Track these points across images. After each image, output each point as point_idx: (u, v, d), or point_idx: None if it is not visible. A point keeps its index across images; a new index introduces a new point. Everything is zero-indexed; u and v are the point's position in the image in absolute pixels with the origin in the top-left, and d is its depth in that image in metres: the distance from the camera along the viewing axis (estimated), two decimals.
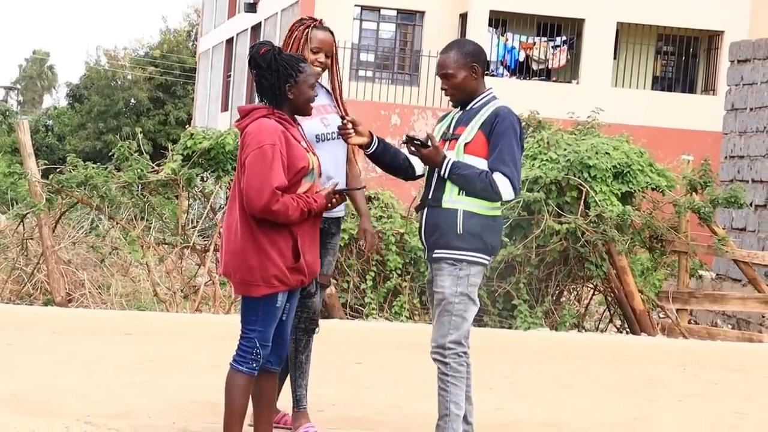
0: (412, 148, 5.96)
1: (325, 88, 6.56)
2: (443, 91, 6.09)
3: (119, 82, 56.58)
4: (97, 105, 54.80)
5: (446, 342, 5.96)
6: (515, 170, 5.87)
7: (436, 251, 5.97)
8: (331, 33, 6.48)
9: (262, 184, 5.53)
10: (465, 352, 5.98)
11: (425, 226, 6.03)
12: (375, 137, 6.07)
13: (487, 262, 5.98)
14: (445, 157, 5.93)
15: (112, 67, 57.40)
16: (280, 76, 5.74)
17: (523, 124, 19.04)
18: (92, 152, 49.66)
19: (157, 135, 50.07)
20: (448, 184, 5.93)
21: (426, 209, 6.02)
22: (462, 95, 6.04)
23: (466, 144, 5.94)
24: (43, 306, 12.42)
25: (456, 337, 5.95)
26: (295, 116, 5.89)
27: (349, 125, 6.01)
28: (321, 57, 6.39)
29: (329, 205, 5.80)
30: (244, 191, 5.60)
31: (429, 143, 5.93)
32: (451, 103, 6.12)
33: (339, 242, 6.62)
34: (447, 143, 6.01)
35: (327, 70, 6.52)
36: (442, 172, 5.92)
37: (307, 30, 6.41)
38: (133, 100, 55.28)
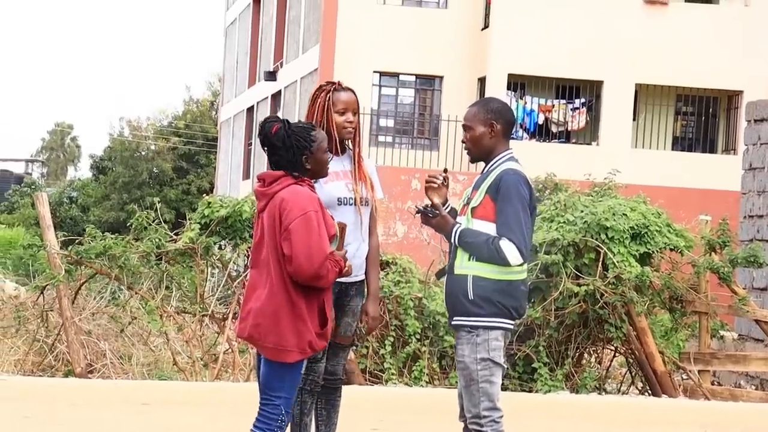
0: (423, 218, 6.01)
1: (350, 150, 6.60)
2: (462, 145, 6.15)
3: (143, 153, 56.95)
4: (121, 176, 55.15)
5: (480, 411, 5.96)
6: (521, 235, 5.87)
7: (454, 318, 6.00)
8: (353, 92, 6.55)
9: (312, 250, 5.61)
10: (501, 417, 5.99)
11: (445, 293, 6.08)
12: (449, 202, 6.10)
13: (508, 326, 5.97)
14: (455, 224, 5.97)
15: (135, 137, 57.79)
16: (295, 152, 5.82)
17: (540, 186, 19.11)
18: (116, 223, 49.88)
19: (180, 204, 50.28)
20: (460, 251, 5.97)
21: (446, 276, 6.06)
22: (477, 151, 6.07)
23: (473, 209, 5.97)
24: (63, 377, 12.44)
25: (488, 404, 5.96)
26: (318, 179, 6.00)
27: (441, 178, 6.09)
28: (349, 116, 6.47)
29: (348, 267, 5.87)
30: (291, 257, 5.63)
31: (438, 212, 5.98)
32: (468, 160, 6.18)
33: (359, 305, 6.62)
34: (465, 207, 6.06)
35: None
36: (451, 240, 5.96)
37: (329, 94, 6.48)
38: (156, 170, 55.58)
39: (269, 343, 5.75)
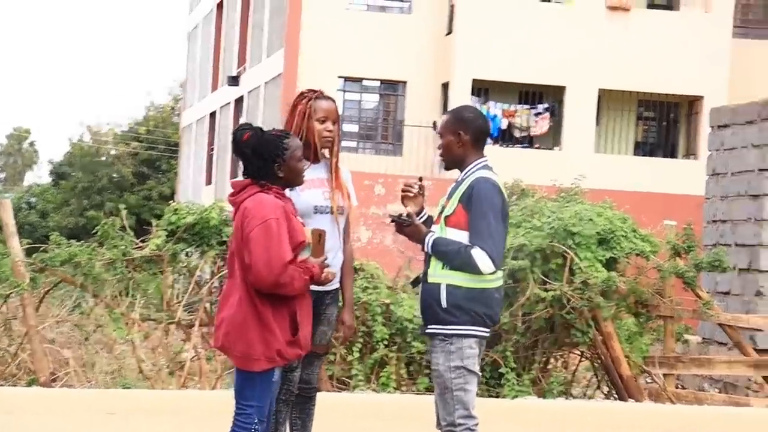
0: (396, 227, 6.01)
1: (327, 159, 6.59)
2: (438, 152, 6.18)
3: (103, 158, 56.67)
4: (81, 181, 54.84)
5: (455, 419, 5.98)
6: (493, 243, 5.88)
7: (428, 327, 6.01)
8: (334, 102, 6.54)
9: (271, 258, 5.58)
10: (476, 425, 6.00)
11: (419, 301, 6.08)
12: (426, 210, 6.13)
13: (482, 333, 5.99)
14: (427, 233, 5.97)
15: (95, 143, 57.51)
16: (267, 159, 5.80)
17: (507, 192, 19.15)
18: (76, 228, 49.63)
19: (141, 210, 50.05)
20: (433, 260, 5.98)
21: (421, 285, 6.07)
22: (448, 159, 6.11)
23: (447, 217, 5.98)
24: (26, 387, 12.33)
25: (463, 412, 5.98)
26: (293, 187, 5.96)
27: (416, 187, 6.10)
28: (329, 125, 6.46)
29: (323, 275, 5.84)
30: (251, 266, 5.61)
31: (411, 221, 5.99)
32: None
33: (335, 314, 6.62)
34: (440, 216, 6.07)
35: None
36: (424, 249, 5.97)
37: (310, 102, 6.47)
38: (116, 176, 55.32)
39: (237, 351, 5.75)
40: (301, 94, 6.58)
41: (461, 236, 5.92)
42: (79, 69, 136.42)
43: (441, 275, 5.94)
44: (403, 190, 6.16)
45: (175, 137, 55.07)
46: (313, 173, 6.46)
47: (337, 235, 6.51)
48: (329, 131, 6.48)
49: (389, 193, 27.12)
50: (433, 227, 6.05)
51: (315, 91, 6.58)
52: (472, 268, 5.87)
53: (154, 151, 56.21)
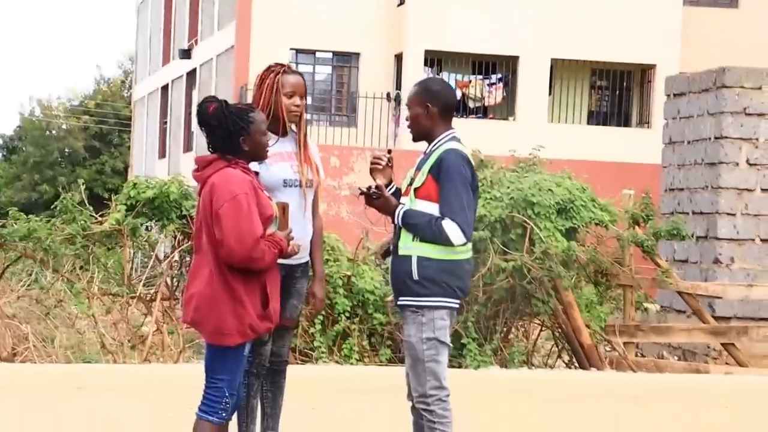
0: (366, 199, 6.02)
1: (294, 133, 6.59)
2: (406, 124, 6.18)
3: (54, 133, 56.24)
4: (32, 156, 54.45)
5: (427, 390, 5.99)
6: (464, 215, 5.90)
7: (399, 299, 6.02)
8: (302, 76, 6.54)
9: (242, 233, 5.58)
10: (447, 396, 6.03)
11: (390, 273, 6.08)
12: (393, 182, 6.12)
13: (453, 305, 6.01)
14: (397, 205, 5.98)
15: (46, 117, 57.05)
16: (232, 132, 5.77)
17: None
18: (28, 203, 49.27)
19: (94, 184, 49.71)
20: (404, 232, 5.99)
21: (391, 257, 6.07)
22: (417, 131, 6.12)
23: (416, 189, 5.99)
24: None
25: (435, 383, 6.00)
26: (257, 161, 5.95)
27: (385, 159, 6.09)
28: (296, 100, 6.47)
29: (291, 248, 5.84)
30: (222, 241, 5.61)
31: (381, 193, 5.99)
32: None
33: (306, 286, 6.64)
34: (409, 188, 6.07)
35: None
36: (394, 221, 5.98)
37: (277, 76, 6.46)
38: (68, 150, 54.94)
39: (209, 327, 5.74)
40: (269, 68, 6.57)
41: (431, 208, 5.94)
42: (27, 42, 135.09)
43: (412, 247, 5.96)
44: (372, 163, 6.17)
45: (125, 111, 54.71)
46: (282, 147, 6.47)
47: (305, 208, 6.52)
48: (297, 106, 6.49)
49: (344, 164, 27.09)
50: (402, 199, 6.06)
51: (283, 66, 6.58)
52: (443, 240, 5.89)
53: (104, 125, 55.83)
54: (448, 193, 5.88)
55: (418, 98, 6.09)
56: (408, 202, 5.99)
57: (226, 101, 5.89)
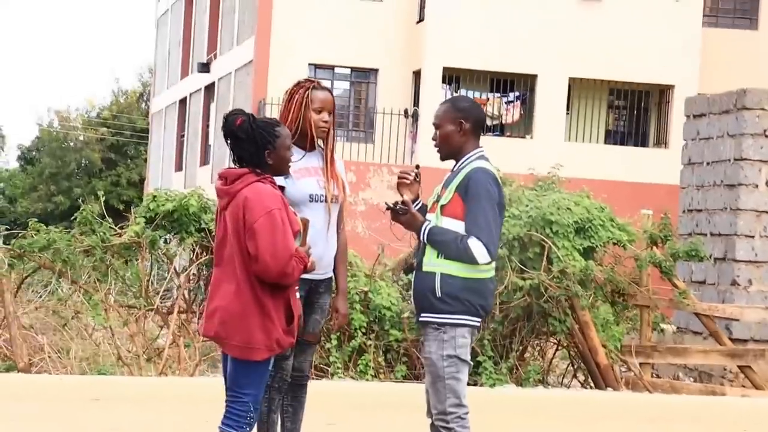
0: (392, 215, 6.02)
1: (321, 149, 6.62)
2: (433, 143, 6.15)
3: (71, 144, 56.41)
4: (49, 167, 54.63)
5: (446, 407, 5.99)
6: (490, 234, 5.90)
7: (421, 315, 6.02)
8: (330, 92, 6.56)
9: (278, 249, 5.60)
10: (467, 413, 6.03)
11: (413, 289, 6.08)
12: (420, 199, 6.11)
13: (474, 323, 6.01)
14: (423, 222, 5.98)
15: (63, 128, 57.23)
16: (259, 146, 5.80)
17: None
18: (44, 214, 49.44)
19: (109, 196, 49.87)
20: (428, 248, 5.99)
21: (414, 273, 6.08)
22: (447, 149, 6.09)
23: (443, 206, 5.99)
24: (4, 372, 12.30)
25: (454, 400, 5.99)
26: (280, 176, 5.99)
27: (413, 174, 6.09)
28: (325, 116, 6.49)
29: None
30: (257, 256, 5.62)
31: (408, 209, 5.99)
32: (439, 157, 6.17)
33: (329, 302, 6.65)
34: (435, 205, 6.08)
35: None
36: (420, 238, 5.98)
37: (307, 92, 6.48)
38: (84, 162, 55.09)
39: (236, 341, 5.75)
40: (298, 83, 6.60)
41: (457, 226, 5.94)
42: (47, 53, 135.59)
43: (436, 264, 5.96)
44: (399, 177, 6.17)
45: (142, 123, 54.84)
46: (308, 162, 6.49)
47: (329, 224, 6.53)
48: (325, 122, 6.52)
49: (360, 180, 27.10)
50: (428, 216, 6.06)
51: (312, 81, 6.61)
52: (468, 258, 5.89)
53: (121, 137, 55.97)
54: (475, 212, 5.88)
55: (449, 116, 6.07)
56: (434, 219, 6.00)
57: (253, 115, 5.92)
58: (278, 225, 5.65)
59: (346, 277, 6.81)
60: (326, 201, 6.47)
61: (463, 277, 5.94)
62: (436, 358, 5.98)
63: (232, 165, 6.00)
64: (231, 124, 5.84)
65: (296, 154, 6.38)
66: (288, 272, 5.65)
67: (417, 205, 6.14)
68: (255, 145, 5.81)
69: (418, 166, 6.27)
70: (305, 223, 5.90)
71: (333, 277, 6.64)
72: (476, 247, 5.88)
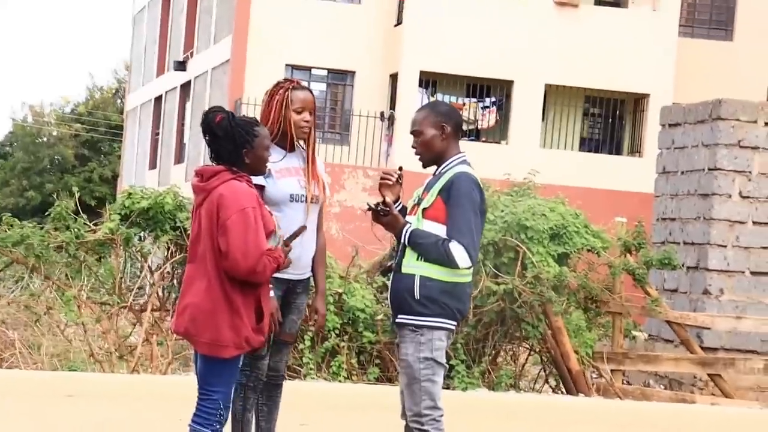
0: (373, 216, 6.03)
1: (302, 149, 6.63)
2: (413, 150, 6.15)
3: (44, 139, 56.19)
4: (21, 161, 54.39)
5: (422, 410, 6.00)
6: (471, 238, 5.92)
7: (398, 317, 6.03)
8: (311, 92, 6.58)
9: (248, 246, 5.61)
10: (441, 416, 6.04)
11: (390, 291, 6.09)
12: (401, 201, 6.12)
13: (451, 327, 6.03)
14: (405, 224, 5.99)
15: (37, 123, 57.00)
16: (237, 144, 5.80)
17: None
18: (15, 209, 49.15)
19: (82, 192, 49.63)
20: (408, 250, 6.00)
21: (392, 274, 6.09)
22: (429, 155, 6.10)
23: (424, 209, 6.00)
24: None
25: (429, 402, 6.01)
26: (256, 176, 5.98)
27: (395, 176, 6.10)
28: (306, 116, 6.50)
29: (287, 258, 5.86)
30: (227, 253, 5.63)
31: (389, 211, 6.00)
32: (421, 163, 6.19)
33: (305, 303, 6.66)
34: (416, 207, 6.09)
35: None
36: (401, 240, 5.99)
37: (287, 92, 6.50)
38: (58, 158, 54.89)
39: (205, 338, 5.75)
40: (279, 83, 6.62)
41: (438, 229, 5.96)
42: (21, 48, 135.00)
43: (415, 266, 5.97)
44: (381, 179, 6.18)
45: (116, 120, 54.68)
46: (289, 162, 6.50)
47: (311, 224, 6.54)
48: (306, 122, 6.53)
49: (335, 182, 27.11)
50: (408, 218, 6.08)
51: (292, 81, 6.62)
52: (449, 262, 5.91)
53: (95, 133, 55.78)
54: (457, 216, 5.90)
55: (430, 120, 6.07)
56: (415, 222, 6.01)
57: (232, 113, 5.93)
58: (250, 223, 5.66)
59: (325, 278, 6.82)
60: (306, 201, 6.48)
61: (443, 280, 5.95)
62: (413, 360, 6.00)
63: (209, 163, 6.01)
64: (210, 121, 5.84)
65: (277, 154, 6.39)
66: (258, 270, 5.65)
67: (398, 206, 6.15)
68: (233, 143, 5.81)
69: (401, 168, 6.28)
70: (302, 229, 5.94)
71: (311, 278, 6.65)
72: (457, 251, 5.90)
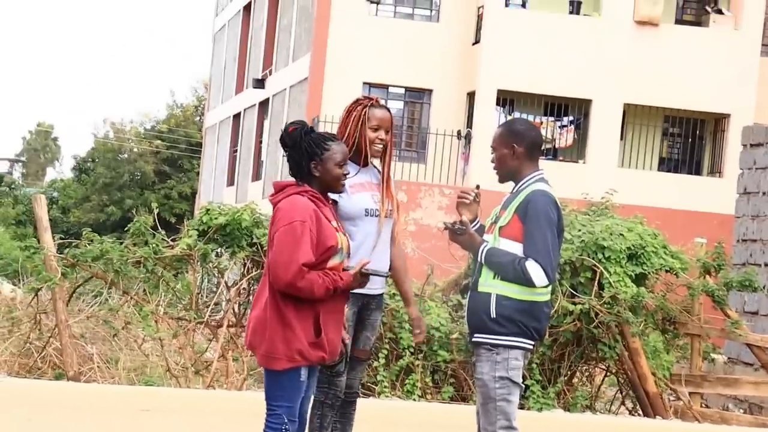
0: (450, 234, 6.02)
1: (377, 168, 6.66)
2: (492, 164, 6.17)
3: (125, 155, 56.83)
4: (102, 177, 55.03)
5: (496, 429, 5.97)
6: (548, 256, 5.89)
7: (474, 336, 6.01)
8: (389, 111, 6.59)
9: (289, 260, 5.61)
10: None
11: (467, 309, 6.08)
12: (479, 219, 6.11)
13: (528, 346, 5.99)
14: (482, 243, 5.97)
15: (118, 140, 57.66)
16: (304, 154, 5.83)
17: None
18: (95, 224, 49.76)
19: (161, 208, 50.19)
20: (485, 269, 5.98)
21: (469, 293, 6.07)
22: (503, 172, 6.12)
23: (501, 228, 5.98)
24: (54, 380, 12.37)
25: (504, 422, 5.97)
26: (332, 193, 5.97)
27: (473, 194, 6.11)
28: (381, 134, 6.53)
29: (355, 284, 5.83)
30: (270, 265, 5.67)
31: (466, 229, 5.99)
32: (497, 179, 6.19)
33: (380, 319, 6.66)
34: (493, 226, 6.07)
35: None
36: (478, 258, 5.97)
37: (365, 109, 6.52)
38: (138, 174, 55.48)
39: (262, 350, 5.78)
40: (357, 100, 6.64)
41: (514, 247, 5.93)
42: (104, 65, 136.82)
43: (492, 285, 5.95)
44: (459, 197, 6.17)
45: (196, 137, 55.16)
46: (362, 178, 6.53)
47: (383, 240, 6.54)
48: (381, 139, 6.55)
49: (411, 200, 27.11)
50: (485, 236, 6.06)
51: (371, 99, 6.65)
52: (525, 281, 5.88)
53: (175, 150, 56.31)
54: (534, 234, 5.88)
55: (502, 139, 6.10)
56: (492, 240, 5.99)
57: (311, 127, 5.95)
58: (296, 236, 5.65)
59: (410, 288, 6.84)
60: (380, 216, 6.48)
61: (519, 299, 5.92)
62: (488, 379, 5.97)
63: (288, 178, 6.05)
64: (284, 132, 5.90)
65: (351, 169, 6.40)
66: (299, 285, 5.63)
67: (475, 225, 6.13)
68: (300, 154, 5.84)
69: (478, 186, 6.26)
70: (383, 274, 5.94)
71: (383, 294, 6.65)
72: (534, 269, 5.87)
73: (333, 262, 5.78)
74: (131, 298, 13.07)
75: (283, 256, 5.64)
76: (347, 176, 5.97)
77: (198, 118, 57.78)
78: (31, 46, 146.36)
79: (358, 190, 6.46)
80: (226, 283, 13.36)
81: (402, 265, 6.68)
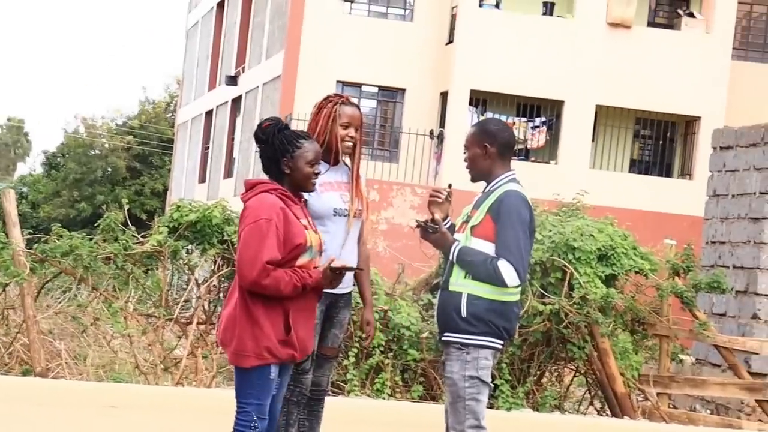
0: (422, 232, 6.02)
1: (348, 167, 6.64)
2: (465, 163, 6.18)
3: (97, 151, 56.58)
4: (73, 172, 54.74)
5: (465, 428, 5.98)
6: (520, 257, 5.91)
7: (444, 335, 6.02)
8: (359, 109, 6.59)
9: (253, 257, 5.61)
10: None
11: (437, 308, 6.08)
12: (450, 218, 6.11)
13: (498, 346, 6.01)
14: (453, 241, 5.98)
15: (89, 135, 57.43)
16: (276, 150, 5.83)
17: None
18: (65, 220, 49.49)
19: (132, 205, 49.99)
20: (456, 268, 5.99)
21: (439, 292, 6.08)
22: (475, 172, 6.14)
23: (473, 227, 5.99)
24: (21, 376, 12.31)
25: (473, 421, 5.98)
26: (302, 192, 5.96)
27: (445, 193, 6.11)
28: (351, 131, 6.52)
29: (326, 282, 5.82)
30: (237, 263, 5.68)
31: (438, 228, 5.99)
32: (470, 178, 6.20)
33: (348, 317, 6.66)
34: (464, 225, 6.08)
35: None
36: (449, 257, 5.98)
37: (335, 106, 6.51)
38: (109, 169, 55.24)
39: (231, 347, 5.79)
40: (327, 97, 6.63)
41: (486, 247, 5.94)
42: (75, 61, 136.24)
43: (463, 284, 5.96)
44: (431, 196, 6.18)
45: (168, 133, 55.01)
46: (332, 176, 6.51)
47: (351, 239, 6.54)
48: (351, 137, 6.54)
49: (383, 199, 27.11)
50: (456, 236, 6.06)
51: (341, 96, 6.64)
52: (497, 280, 5.89)
53: (147, 146, 56.14)
54: (506, 234, 5.89)
55: (475, 139, 6.11)
56: (463, 239, 6.00)
57: (286, 124, 5.94)
58: (261, 234, 5.65)
59: (370, 290, 6.81)
60: (348, 216, 6.47)
61: (490, 299, 5.93)
62: (458, 379, 5.97)
63: (260, 176, 6.05)
64: (258, 127, 5.90)
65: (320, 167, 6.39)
66: (263, 283, 5.62)
67: (446, 224, 6.14)
68: (273, 150, 5.84)
69: (450, 186, 6.27)
70: (356, 270, 5.92)
71: (352, 293, 6.65)
72: (506, 269, 5.88)
73: (302, 260, 5.78)
74: (100, 294, 13.02)
75: (248, 254, 5.65)
76: (318, 175, 5.96)
77: (170, 114, 57.61)
78: (2, 41, 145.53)
79: (327, 189, 6.44)
80: (196, 280, 13.33)
81: (365, 266, 6.66)
